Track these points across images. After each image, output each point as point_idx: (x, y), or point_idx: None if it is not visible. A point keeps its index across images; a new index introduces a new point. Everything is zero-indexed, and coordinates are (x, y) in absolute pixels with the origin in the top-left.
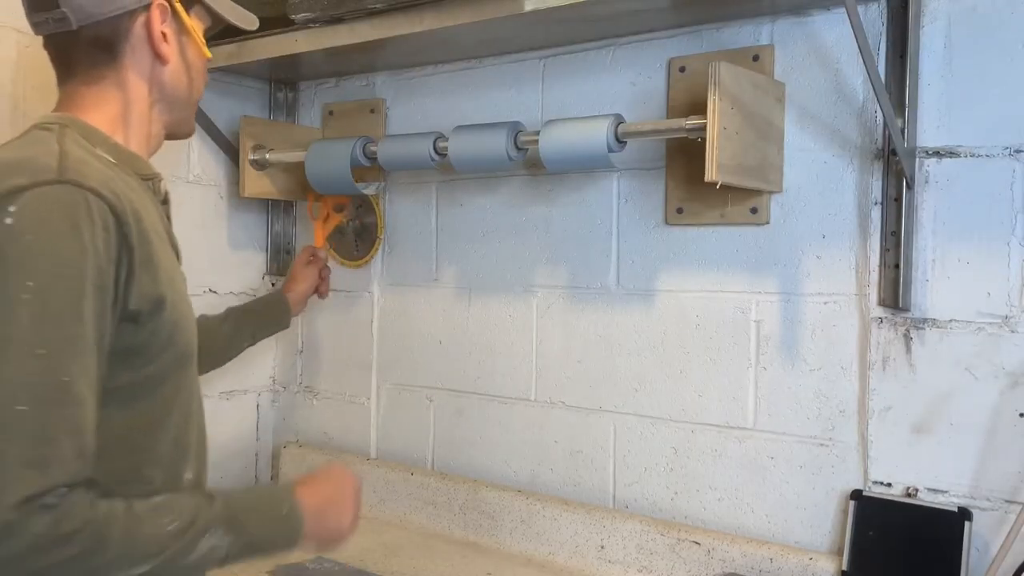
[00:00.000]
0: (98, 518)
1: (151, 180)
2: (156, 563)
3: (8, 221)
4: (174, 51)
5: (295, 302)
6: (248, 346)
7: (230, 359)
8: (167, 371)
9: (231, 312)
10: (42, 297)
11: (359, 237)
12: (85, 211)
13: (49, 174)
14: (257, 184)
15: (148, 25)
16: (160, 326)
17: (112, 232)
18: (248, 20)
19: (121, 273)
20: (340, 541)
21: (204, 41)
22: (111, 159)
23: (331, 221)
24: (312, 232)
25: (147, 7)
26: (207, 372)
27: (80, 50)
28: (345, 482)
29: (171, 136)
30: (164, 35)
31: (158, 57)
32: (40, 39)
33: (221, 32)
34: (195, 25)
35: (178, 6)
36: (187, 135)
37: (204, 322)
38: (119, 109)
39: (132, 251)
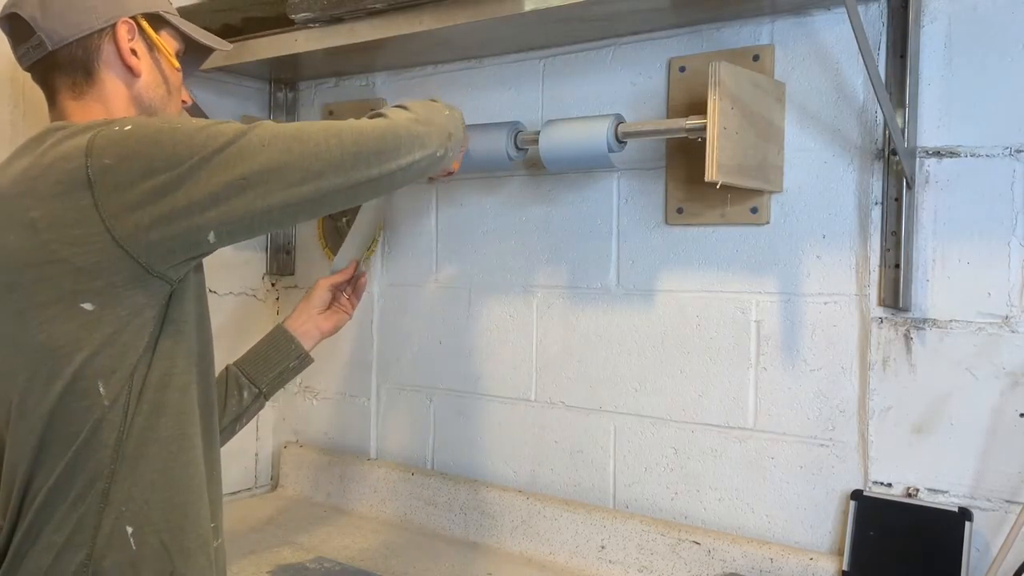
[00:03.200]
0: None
1: None
2: (455, 125)
3: (128, 127)
4: (146, 65)
5: (299, 327)
6: (252, 397)
7: (237, 420)
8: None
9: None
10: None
11: None
12: None
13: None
14: None
15: (115, 42)
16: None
17: None
18: (219, 43)
19: None
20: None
21: (174, 55)
22: None
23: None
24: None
25: (113, 26)
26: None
27: (60, 71)
28: None
29: None
30: (134, 51)
31: (130, 70)
32: None
33: (220, 33)
34: (165, 42)
35: (144, 24)
36: None
37: None
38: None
39: None
